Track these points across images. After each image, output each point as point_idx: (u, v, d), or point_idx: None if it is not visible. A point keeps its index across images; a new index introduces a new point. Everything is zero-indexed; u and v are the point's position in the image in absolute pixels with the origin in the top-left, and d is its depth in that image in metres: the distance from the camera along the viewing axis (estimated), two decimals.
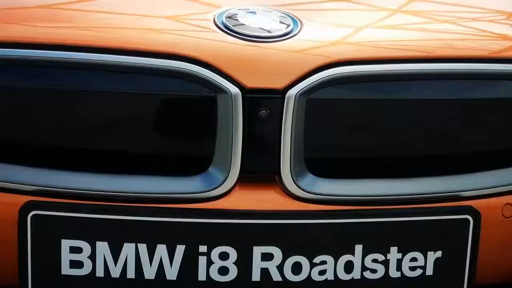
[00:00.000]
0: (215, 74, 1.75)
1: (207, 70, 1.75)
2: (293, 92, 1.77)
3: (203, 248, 1.77)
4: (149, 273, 1.76)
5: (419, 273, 1.82)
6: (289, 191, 1.82)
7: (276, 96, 1.77)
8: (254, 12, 1.84)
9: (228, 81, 1.75)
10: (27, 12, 1.83)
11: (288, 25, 1.85)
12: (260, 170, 1.80)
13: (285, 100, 1.76)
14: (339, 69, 1.78)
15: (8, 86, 1.74)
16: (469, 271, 1.84)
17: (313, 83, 1.77)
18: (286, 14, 1.86)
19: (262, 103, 1.77)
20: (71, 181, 1.77)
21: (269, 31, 1.82)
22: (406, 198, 1.84)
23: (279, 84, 1.77)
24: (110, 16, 1.86)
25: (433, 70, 1.82)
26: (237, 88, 1.76)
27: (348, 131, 1.87)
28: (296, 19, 1.86)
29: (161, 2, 1.92)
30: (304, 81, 1.77)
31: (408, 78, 1.83)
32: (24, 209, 1.74)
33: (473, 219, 1.83)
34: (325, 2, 2.06)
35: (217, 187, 1.79)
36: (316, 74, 1.78)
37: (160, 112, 1.81)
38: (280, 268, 1.79)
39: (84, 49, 1.76)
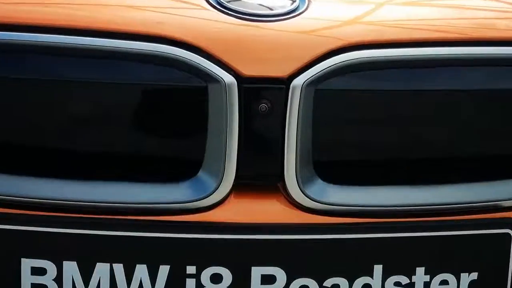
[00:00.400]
0: (205, 60, 1.67)
1: (195, 55, 1.67)
2: (299, 81, 1.69)
3: (191, 269, 1.70)
4: None
5: None
6: (295, 201, 1.74)
7: (279, 86, 1.70)
8: None
9: (221, 68, 1.68)
10: None
11: (294, 1, 1.76)
12: (259, 175, 1.73)
13: (290, 91, 1.69)
14: (355, 53, 1.70)
15: None
16: None
17: (323, 71, 1.69)
18: None
19: (262, 94, 1.69)
20: (32, 189, 1.69)
21: (270, 8, 1.74)
22: (435, 208, 1.76)
23: (282, 71, 1.69)
24: None
25: (470, 55, 1.74)
26: (232, 77, 1.68)
27: (364, 129, 1.79)
28: None
29: None
30: (313, 68, 1.69)
31: (439, 65, 1.74)
32: None
33: None
34: None
35: (208, 196, 1.71)
36: (327, 60, 1.69)
37: (139, 106, 1.73)
38: None
39: (47, 30, 1.67)
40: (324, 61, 1.68)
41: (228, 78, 1.66)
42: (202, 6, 1.73)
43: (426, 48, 1.72)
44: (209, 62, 1.66)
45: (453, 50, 1.73)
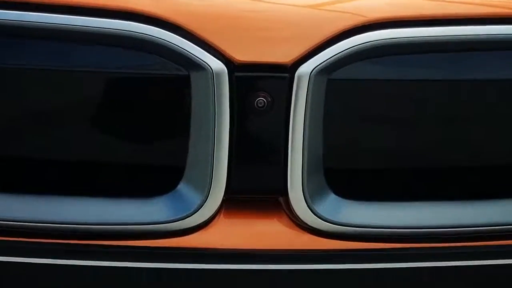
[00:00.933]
0: (187, 42, 1.57)
1: (174, 36, 1.57)
2: (306, 68, 1.58)
3: None
4: None
5: None
6: (301, 220, 1.63)
7: (281, 75, 1.59)
8: None
9: (208, 52, 1.57)
10: None
11: None
12: (256, 188, 1.63)
13: (295, 81, 1.58)
14: (378, 33, 1.59)
15: None
16: None
17: (337, 56, 1.58)
18: None
19: (260, 85, 1.59)
20: None
21: None
22: (485, 230, 1.66)
23: (285, 56, 1.59)
24: None
25: None
26: (221, 63, 1.57)
27: (389, 129, 1.69)
28: None
29: None
30: (324, 52, 1.58)
31: (488, 48, 1.63)
32: None
33: None
34: None
35: (190, 215, 1.59)
36: (343, 42, 1.58)
37: (103, 100, 1.63)
38: None
39: None
40: (339, 43, 1.57)
41: (216, 64, 1.55)
42: None
43: (471, 27, 1.62)
44: (192, 45, 1.56)
45: (506, 29, 1.62)
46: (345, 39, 1.58)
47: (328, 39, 1.58)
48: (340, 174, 1.66)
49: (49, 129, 1.63)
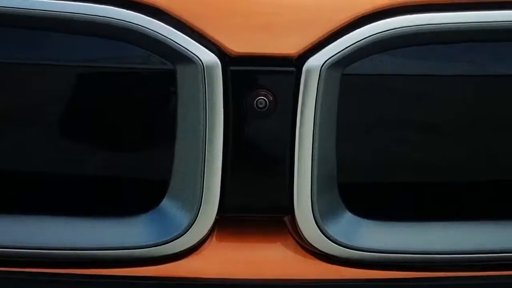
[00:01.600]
0: (173, 30, 1.48)
1: (158, 22, 1.48)
2: (316, 61, 1.48)
3: None
4: None
5: None
6: (310, 244, 1.54)
7: (286, 69, 1.51)
8: None
9: (198, 42, 1.48)
10: None
11: None
12: (255, 206, 1.53)
13: (303, 77, 1.49)
14: (403, 19, 1.49)
15: None
16: None
17: (353, 47, 1.48)
18: None
19: (260, 82, 1.50)
20: None
21: None
22: None
23: (290, 47, 1.49)
24: None
25: None
26: (213, 55, 1.48)
27: (417, 134, 1.58)
28: None
29: None
30: (338, 41, 1.48)
31: None
32: None
33: None
34: None
35: (176, 238, 1.50)
36: (361, 29, 1.48)
37: (72, 99, 1.53)
38: None
39: None
40: (355, 31, 1.47)
41: (207, 57, 1.47)
42: None
43: None
44: (178, 33, 1.47)
45: None
46: (363, 26, 1.49)
47: (342, 26, 1.49)
48: (357, 188, 1.59)
49: (15, 134, 1.54)
